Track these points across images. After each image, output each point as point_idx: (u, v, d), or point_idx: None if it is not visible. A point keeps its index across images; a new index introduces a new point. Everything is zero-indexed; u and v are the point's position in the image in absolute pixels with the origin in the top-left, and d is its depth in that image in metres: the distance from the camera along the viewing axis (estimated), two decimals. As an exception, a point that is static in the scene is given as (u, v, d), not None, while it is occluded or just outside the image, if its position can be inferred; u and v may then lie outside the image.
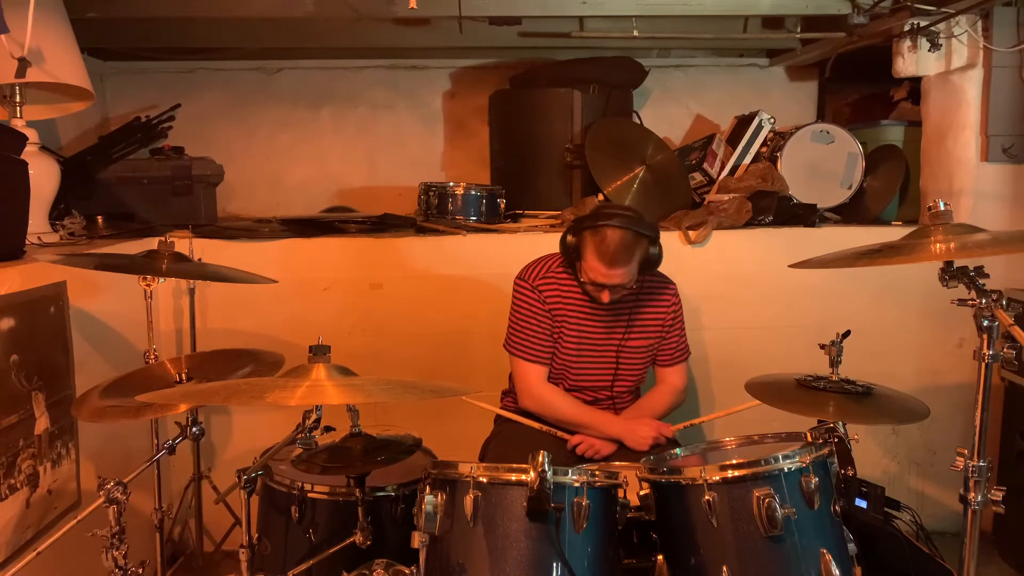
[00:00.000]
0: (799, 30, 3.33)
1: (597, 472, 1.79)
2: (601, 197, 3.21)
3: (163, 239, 2.29)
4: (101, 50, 3.63)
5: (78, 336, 2.39)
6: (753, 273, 3.08)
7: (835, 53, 3.52)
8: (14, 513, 2.07)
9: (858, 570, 1.83)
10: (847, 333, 2.28)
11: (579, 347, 2.48)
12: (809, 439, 1.92)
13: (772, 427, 2.07)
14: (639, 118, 3.80)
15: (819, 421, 2.08)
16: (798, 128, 3.39)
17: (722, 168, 3.46)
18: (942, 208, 1.81)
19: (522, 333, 2.47)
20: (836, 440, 1.91)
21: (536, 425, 2.43)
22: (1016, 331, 1.62)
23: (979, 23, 2.97)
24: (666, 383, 2.59)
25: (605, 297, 2.35)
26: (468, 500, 1.71)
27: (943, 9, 2.89)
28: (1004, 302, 1.68)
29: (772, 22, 3.37)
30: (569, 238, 2.37)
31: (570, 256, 2.39)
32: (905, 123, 3.46)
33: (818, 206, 3.24)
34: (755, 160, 3.47)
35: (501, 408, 2.61)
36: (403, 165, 4.01)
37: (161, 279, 2.51)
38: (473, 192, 3.21)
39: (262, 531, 2.15)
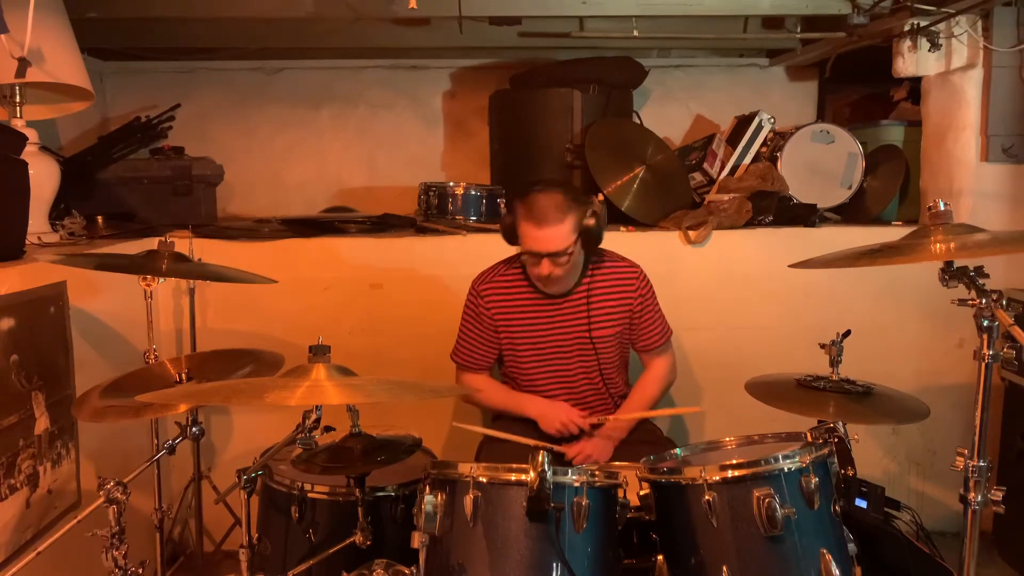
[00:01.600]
0: (799, 30, 3.33)
1: (597, 472, 1.79)
2: (601, 197, 3.21)
3: (163, 239, 2.29)
4: (101, 50, 3.63)
5: (78, 336, 2.39)
6: (753, 273, 3.08)
7: (835, 53, 3.52)
8: (14, 513, 2.07)
9: (858, 570, 1.83)
10: (847, 333, 2.28)
11: (535, 346, 2.48)
12: (809, 439, 1.92)
13: (772, 427, 2.07)
14: (639, 118, 3.80)
15: (819, 421, 2.08)
16: (798, 128, 3.39)
17: (722, 168, 3.46)
18: (942, 208, 1.81)
19: (461, 341, 2.53)
20: (836, 440, 1.91)
21: (529, 441, 2.38)
22: (1016, 331, 1.62)
23: (979, 23, 2.97)
24: (652, 369, 2.58)
25: (545, 269, 2.30)
26: (468, 500, 1.71)
27: (943, 9, 2.89)
28: (1004, 302, 1.68)
29: (772, 22, 3.37)
30: (506, 219, 2.37)
31: (511, 238, 2.37)
32: (905, 123, 3.46)
33: (818, 206, 3.24)
34: (755, 160, 3.46)
35: (494, 423, 2.62)
36: (403, 165, 4.00)
37: (161, 279, 2.51)
38: (473, 192, 3.21)
39: (262, 531, 2.14)
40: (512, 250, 2.52)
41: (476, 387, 2.52)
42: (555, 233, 2.25)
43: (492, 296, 2.48)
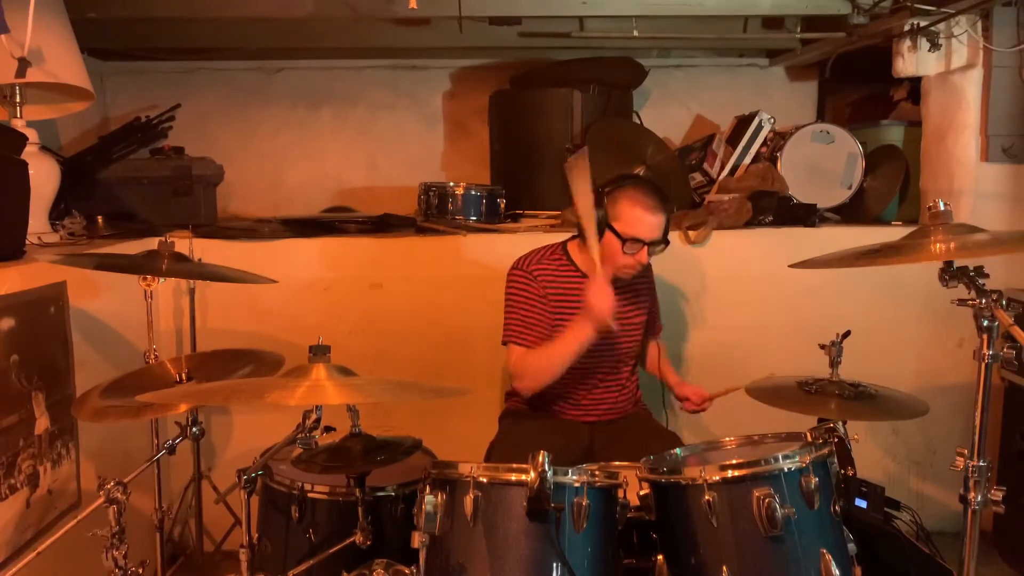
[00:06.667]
0: (799, 30, 3.33)
1: (597, 472, 1.79)
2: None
3: (163, 239, 2.29)
4: (101, 50, 3.63)
5: (78, 336, 2.39)
6: (753, 273, 3.08)
7: (835, 53, 3.51)
8: (14, 513, 2.07)
9: (858, 570, 1.83)
10: (847, 333, 2.28)
11: None
12: (809, 439, 1.92)
13: (772, 427, 2.07)
14: (639, 118, 3.80)
15: (819, 420, 2.08)
16: (798, 128, 3.39)
17: (722, 168, 3.46)
18: (942, 208, 1.81)
19: (518, 320, 2.39)
20: (836, 440, 1.90)
21: None
22: (1016, 331, 1.62)
23: (979, 23, 2.97)
24: (661, 349, 2.66)
25: (644, 257, 2.29)
26: (468, 500, 1.71)
27: (943, 9, 2.89)
28: (1004, 302, 1.68)
29: (772, 22, 3.37)
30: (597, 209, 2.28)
31: (599, 227, 2.29)
32: (905, 123, 3.46)
33: (818, 206, 3.25)
34: (755, 160, 3.47)
35: (506, 407, 2.61)
36: (403, 165, 4.00)
37: (161, 279, 2.50)
38: (473, 192, 3.21)
39: (262, 531, 2.14)
40: (541, 240, 2.54)
41: (530, 361, 2.34)
42: (662, 221, 2.29)
43: (546, 277, 2.41)
